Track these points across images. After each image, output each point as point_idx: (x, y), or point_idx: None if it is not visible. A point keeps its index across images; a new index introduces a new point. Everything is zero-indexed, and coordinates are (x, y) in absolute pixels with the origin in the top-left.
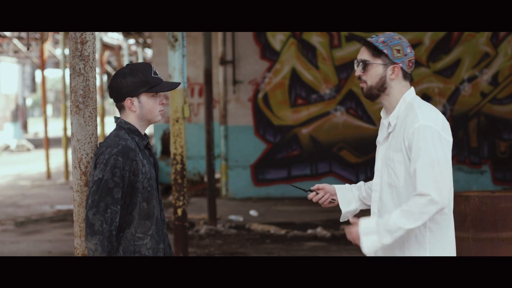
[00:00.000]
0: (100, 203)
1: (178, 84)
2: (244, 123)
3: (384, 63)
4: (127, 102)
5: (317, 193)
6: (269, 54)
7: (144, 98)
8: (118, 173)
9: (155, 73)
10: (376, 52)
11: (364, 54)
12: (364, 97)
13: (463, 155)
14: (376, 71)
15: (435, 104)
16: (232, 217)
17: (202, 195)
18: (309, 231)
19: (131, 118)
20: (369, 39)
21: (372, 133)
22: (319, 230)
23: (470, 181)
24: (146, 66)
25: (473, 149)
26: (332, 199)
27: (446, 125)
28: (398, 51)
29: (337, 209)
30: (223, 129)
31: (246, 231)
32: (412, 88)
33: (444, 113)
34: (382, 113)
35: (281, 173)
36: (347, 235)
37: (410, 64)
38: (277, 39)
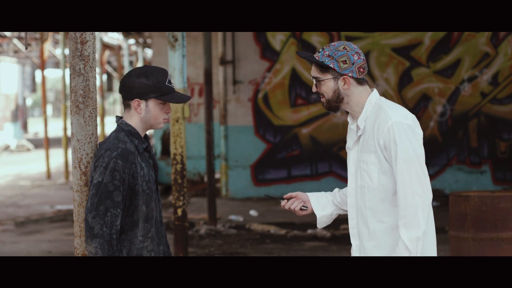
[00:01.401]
0: (99, 206)
1: (189, 98)
2: (244, 123)
3: (334, 77)
4: (135, 102)
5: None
6: (269, 54)
7: (152, 103)
8: (118, 176)
9: (170, 82)
10: (324, 68)
11: (314, 71)
12: (327, 110)
13: (463, 155)
14: (328, 85)
15: (435, 104)
16: (232, 217)
17: (202, 195)
18: (309, 231)
19: (134, 120)
20: (315, 55)
21: None
22: (319, 230)
23: (470, 181)
24: (162, 72)
25: (473, 149)
26: (304, 206)
27: (416, 119)
28: (345, 62)
29: None
30: (223, 129)
31: (246, 231)
32: (375, 90)
33: (444, 113)
34: (349, 119)
35: (281, 173)
36: None
37: (361, 69)
38: (277, 39)
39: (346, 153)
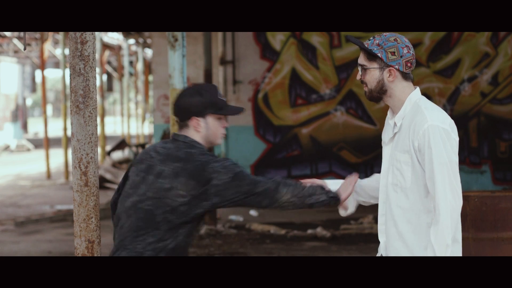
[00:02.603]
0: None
1: (243, 109)
2: (244, 123)
3: (380, 67)
4: (193, 121)
5: None
6: (269, 54)
7: (210, 119)
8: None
9: (220, 95)
10: (371, 56)
11: (361, 59)
12: (368, 100)
13: (463, 155)
14: (373, 74)
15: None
16: (232, 217)
17: None
18: (309, 231)
19: (196, 138)
20: (365, 42)
21: (372, 133)
22: (319, 230)
23: (470, 181)
24: (213, 87)
25: (473, 149)
26: None
27: (453, 124)
28: (393, 53)
29: (337, 209)
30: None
31: (246, 231)
32: (417, 89)
33: None
34: (389, 113)
35: (281, 173)
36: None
37: (409, 64)
38: (277, 39)
39: (346, 153)
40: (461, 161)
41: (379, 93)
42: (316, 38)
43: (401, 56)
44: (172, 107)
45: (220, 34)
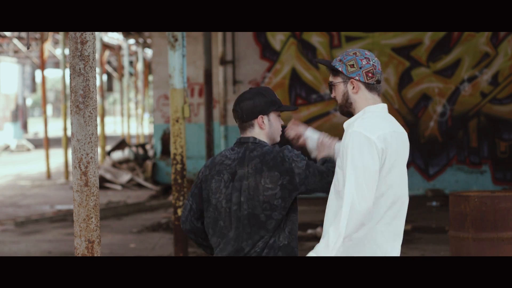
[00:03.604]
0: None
1: (297, 108)
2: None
3: (343, 80)
4: (259, 119)
5: None
6: (269, 54)
7: (272, 116)
8: None
9: (276, 95)
10: (335, 71)
11: (330, 77)
12: (341, 115)
13: (463, 155)
14: (339, 89)
15: (435, 104)
16: None
17: None
18: (309, 231)
19: (261, 137)
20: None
21: None
22: (319, 230)
23: (470, 181)
24: (269, 89)
25: (473, 149)
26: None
27: (389, 138)
28: (352, 65)
29: None
30: (223, 129)
31: None
32: (382, 105)
33: (444, 113)
34: None
35: None
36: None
37: (370, 74)
38: (277, 39)
39: None
40: (461, 161)
41: (346, 106)
42: (316, 38)
43: (360, 68)
44: (234, 111)
45: (220, 34)
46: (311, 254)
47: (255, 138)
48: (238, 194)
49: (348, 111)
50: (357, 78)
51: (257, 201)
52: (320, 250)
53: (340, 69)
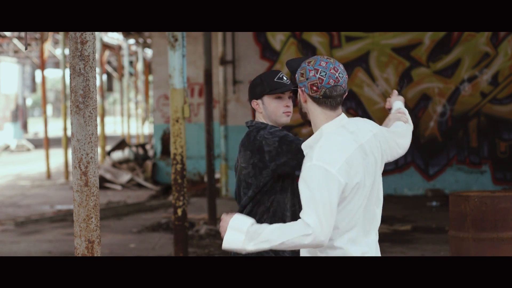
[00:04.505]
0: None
1: (290, 87)
2: (244, 123)
3: (299, 87)
4: (253, 103)
5: None
6: (269, 54)
7: (267, 99)
8: None
9: (280, 78)
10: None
11: None
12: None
13: (463, 155)
14: (299, 95)
15: (435, 104)
16: None
17: (202, 195)
18: None
19: (261, 119)
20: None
21: None
22: None
23: (470, 181)
24: (273, 72)
25: (473, 149)
26: None
27: (349, 167)
28: (302, 74)
29: None
30: (223, 129)
31: None
32: (335, 121)
33: (444, 113)
34: None
35: None
36: (220, 223)
37: (314, 88)
38: (277, 39)
39: None
40: (461, 161)
41: (304, 115)
42: (316, 38)
43: (307, 79)
44: None
45: (220, 34)
46: (229, 234)
47: (252, 121)
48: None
49: (304, 119)
50: (303, 88)
51: (239, 180)
52: (242, 239)
53: (296, 76)
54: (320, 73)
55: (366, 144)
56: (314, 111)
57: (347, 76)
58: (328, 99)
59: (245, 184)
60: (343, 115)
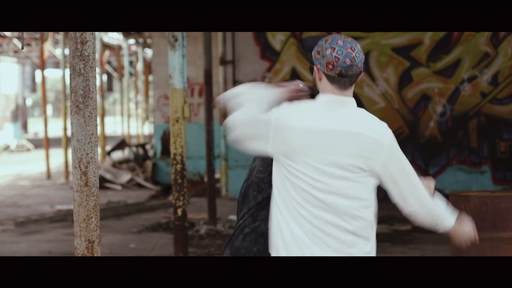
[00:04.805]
0: None
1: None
2: None
3: (314, 65)
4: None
5: None
6: (269, 54)
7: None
8: None
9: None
10: None
11: None
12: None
13: (463, 155)
14: (313, 73)
15: (435, 104)
16: (232, 217)
17: (202, 195)
18: None
19: None
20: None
21: None
22: None
23: (470, 181)
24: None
25: (473, 149)
26: None
27: (308, 130)
28: (318, 52)
29: None
30: (223, 129)
31: None
32: (330, 95)
33: (444, 113)
34: None
35: None
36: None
37: (330, 66)
38: (277, 39)
39: None
40: (461, 161)
41: (315, 93)
42: None
43: (323, 56)
44: None
45: (220, 34)
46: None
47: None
48: None
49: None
50: (318, 66)
51: (251, 180)
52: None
53: (312, 53)
54: (337, 51)
55: (328, 131)
56: (324, 89)
57: (363, 57)
58: (343, 78)
59: (257, 186)
60: (348, 99)
